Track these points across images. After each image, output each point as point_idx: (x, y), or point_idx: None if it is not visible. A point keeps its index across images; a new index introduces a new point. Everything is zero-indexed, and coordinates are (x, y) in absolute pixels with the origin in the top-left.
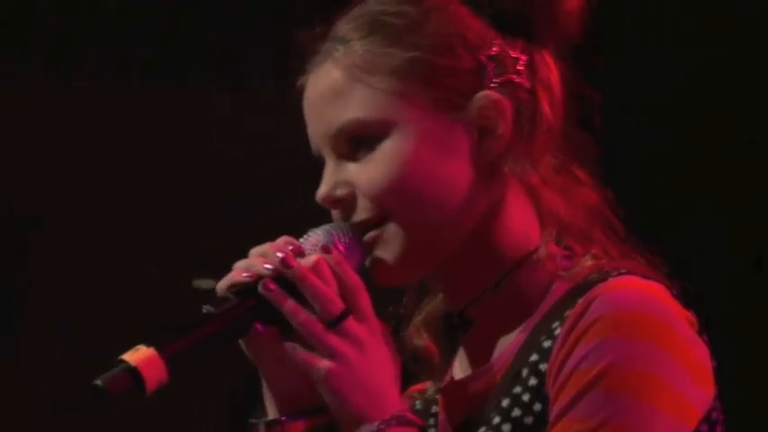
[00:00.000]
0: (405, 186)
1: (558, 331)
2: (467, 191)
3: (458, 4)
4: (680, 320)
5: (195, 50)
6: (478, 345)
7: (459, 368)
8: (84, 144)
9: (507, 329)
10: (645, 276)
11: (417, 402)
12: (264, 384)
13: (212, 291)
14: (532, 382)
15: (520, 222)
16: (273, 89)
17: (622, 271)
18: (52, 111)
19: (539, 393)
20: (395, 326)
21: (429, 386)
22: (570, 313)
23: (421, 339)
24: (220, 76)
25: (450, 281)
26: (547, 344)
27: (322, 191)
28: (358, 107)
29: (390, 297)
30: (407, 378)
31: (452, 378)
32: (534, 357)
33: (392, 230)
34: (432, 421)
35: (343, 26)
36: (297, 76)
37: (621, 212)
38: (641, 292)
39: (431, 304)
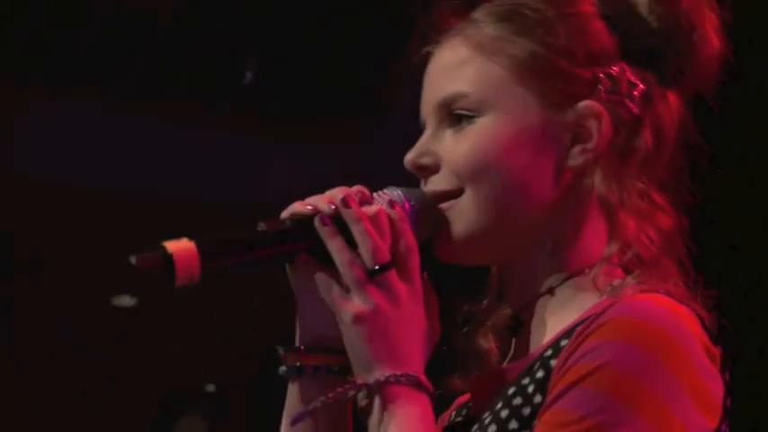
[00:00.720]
0: (486, 165)
1: (563, 343)
2: (544, 189)
3: (597, 18)
4: (697, 347)
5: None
6: (521, 345)
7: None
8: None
9: (547, 333)
10: (680, 301)
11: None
12: (298, 314)
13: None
14: (540, 374)
15: (589, 236)
16: None
17: (659, 291)
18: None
19: (542, 386)
20: (465, 323)
21: None
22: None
23: (486, 341)
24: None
25: (511, 281)
26: (563, 342)
27: (409, 156)
28: (468, 81)
29: (469, 296)
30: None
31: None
32: (548, 353)
33: (464, 204)
34: (468, 413)
35: (482, 10)
36: (427, 44)
37: (692, 244)
38: (664, 309)
39: (501, 309)
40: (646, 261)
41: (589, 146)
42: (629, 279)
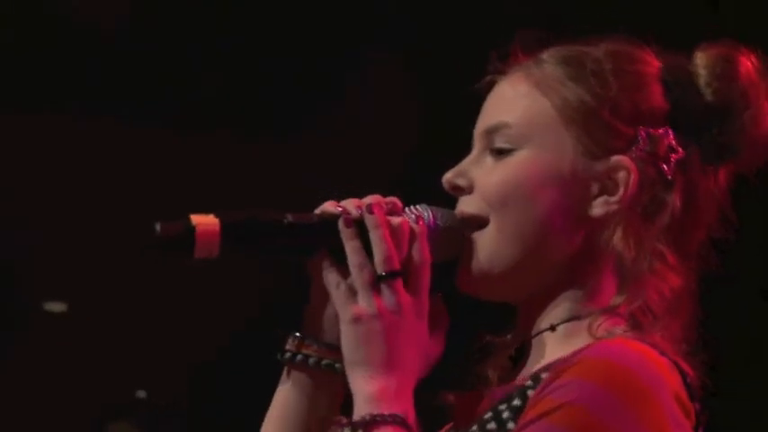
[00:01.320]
0: (513, 196)
1: (529, 383)
2: (564, 232)
3: (654, 80)
4: (668, 395)
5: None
6: (513, 375)
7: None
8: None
9: (535, 363)
10: (662, 353)
11: None
12: (308, 306)
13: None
14: (516, 403)
15: (600, 285)
16: None
17: (644, 341)
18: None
19: (516, 415)
20: (481, 350)
21: None
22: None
23: (492, 372)
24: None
25: (522, 316)
26: (544, 375)
27: (447, 175)
28: (514, 114)
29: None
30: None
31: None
32: (528, 383)
33: (488, 236)
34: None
35: (549, 51)
36: (495, 72)
37: (700, 309)
38: (639, 354)
39: (516, 343)
40: (649, 317)
41: (613, 199)
42: (624, 327)
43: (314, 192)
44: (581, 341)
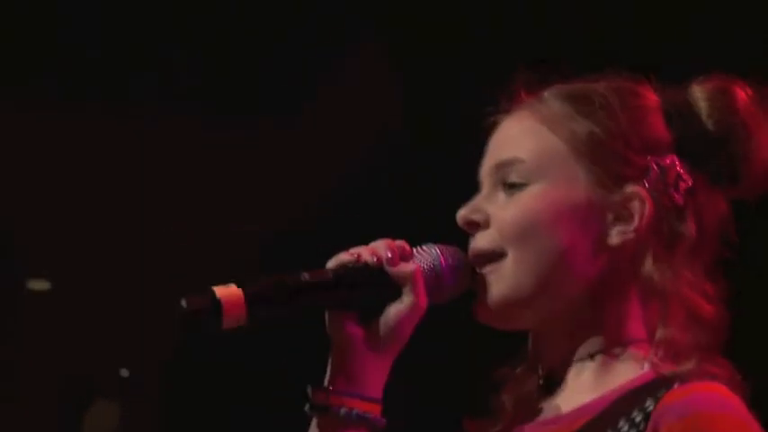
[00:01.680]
0: (530, 229)
1: (642, 425)
2: (582, 262)
3: (657, 112)
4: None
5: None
6: (551, 401)
7: (527, 417)
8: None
9: (581, 393)
10: (733, 389)
11: None
12: (331, 358)
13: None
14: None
15: (633, 316)
16: None
17: (707, 377)
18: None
19: None
20: (498, 383)
21: None
22: (653, 408)
23: (508, 402)
24: None
25: (546, 345)
26: (625, 428)
27: (461, 212)
28: (526, 150)
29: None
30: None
31: (518, 424)
32: (624, 428)
33: (506, 268)
34: None
35: (553, 90)
36: (498, 113)
37: (729, 334)
38: (732, 399)
39: (531, 376)
40: (686, 344)
41: (629, 228)
42: (691, 363)
43: (297, 180)
44: (631, 369)
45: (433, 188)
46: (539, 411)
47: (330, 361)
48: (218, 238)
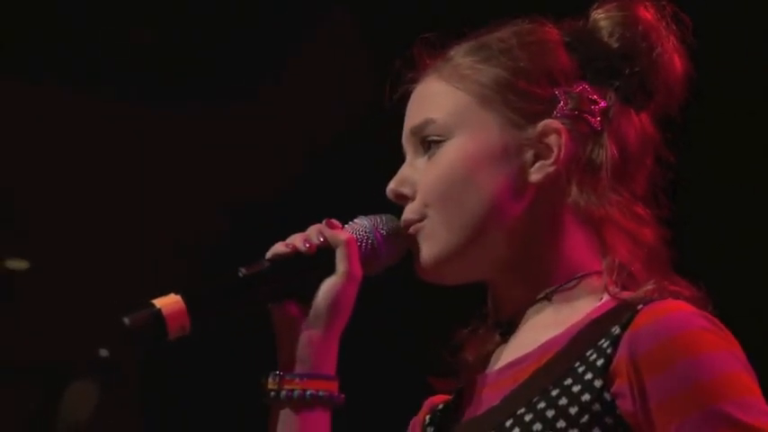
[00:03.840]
0: (451, 185)
1: (609, 350)
2: (508, 205)
3: (557, 43)
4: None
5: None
6: (512, 344)
7: (489, 365)
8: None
9: (543, 330)
10: (702, 307)
11: (440, 405)
12: (278, 346)
13: None
14: (588, 376)
15: (573, 248)
16: None
17: (672, 295)
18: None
19: (602, 372)
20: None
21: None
22: (624, 333)
23: (471, 355)
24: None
25: (499, 292)
26: (593, 357)
27: (390, 185)
28: (437, 109)
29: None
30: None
31: (480, 374)
32: (592, 356)
33: (429, 226)
34: (456, 415)
35: (454, 48)
36: (408, 84)
37: (675, 253)
38: (689, 312)
39: (491, 328)
40: (637, 272)
41: (549, 161)
42: (649, 285)
43: (267, 158)
44: (590, 302)
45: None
46: (501, 357)
47: (278, 349)
48: (188, 222)
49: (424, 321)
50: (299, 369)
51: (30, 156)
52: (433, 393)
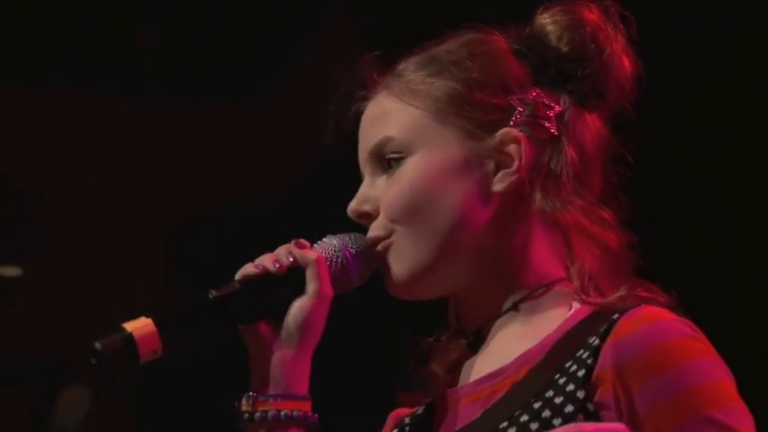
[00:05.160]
0: (414, 201)
1: (590, 361)
2: (474, 216)
3: (507, 51)
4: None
5: None
6: (484, 357)
7: (461, 378)
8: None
9: (517, 341)
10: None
11: (407, 418)
12: (251, 367)
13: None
14: (570, 387)
15: (540, 255)
16: None
17: (646, 302)
18: None
19: (573, 396)
20: (422, 354)
21: (419, 408)
22: (603, 344)
23: (438, 368)
24: None
25: (466, 304)
26: (573, 369)
27: (351, 205)
28: (393, 127)
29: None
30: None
31: (452, 387)
32: (572, 368)
33: (397, 244)
34: (430, 429)
35: (403, 63)
36: (359, 102)
37: (641, 257)
38: (668, 319)
39: (457, 340)
40: (605, 277)
41: (511, 170)
42: (621, 291)
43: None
44: (560, 311)
45: None
46: (473, 370)
47: (251, 369)
48: (188, 219)
49: (385, 333)
50: (272, 390)
51: (31, 157)
52: (397, 407)
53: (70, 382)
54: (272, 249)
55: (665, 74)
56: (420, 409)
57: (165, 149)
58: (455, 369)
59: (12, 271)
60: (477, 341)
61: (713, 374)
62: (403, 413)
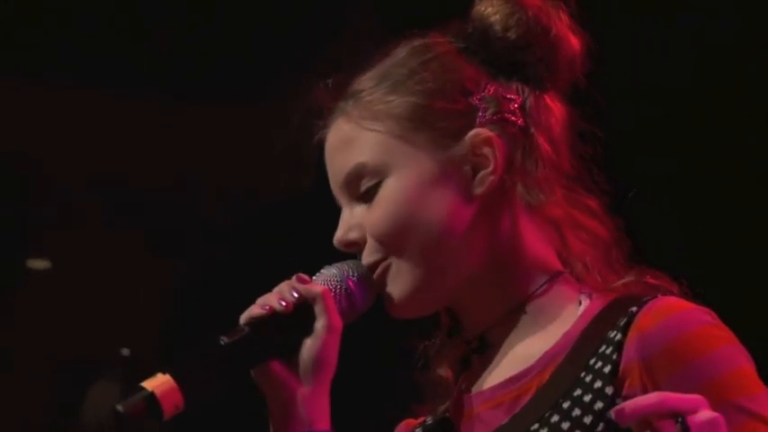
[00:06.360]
0: (401, 224)
1: (614, 357)
2: (461, 224)
3: (455, 53)
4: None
5: None
6: (497, 361)
7: (475, 384)
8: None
9: (533, 342)
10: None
11: (418, 429)
12: (269, 408)
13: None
14: (597, 384)
15: (539, 248)
16: None
17: (659, 290)
18: None
19: (602, 392)
20: (421, 360)
21: (428, 418)
22: (626, 338)
23: (444, 372)
24: None
25: (467, 308)
26: (599, 365)
27: (337, 235)
28: (362, 152)
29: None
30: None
31: (466, 394)
32: (597, 364)
33: (394, 267)
34: None
35: (355, 84)
36: (316, 130)
37: (629, 241)
38: (687, 309)
39: (455, 342)
40: (600, 266)
41: (488, 171)
42: (628, 279)
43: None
44: (571, 308)
45: None
46: (488, 375)
47: (269, 411)
48: (208, 213)
49: (388, 347)
50: (298, 428)
51: (50, 151)
52: (407, 416)
53: (99, 377)
54: (272, 249)
55: (665, 74)
56: (434, 418)
57: (165, 149)
58: (463, 374)
59: (41, 264)
60: (482, 346)
61: (737, 362)
62: (412, 423)
